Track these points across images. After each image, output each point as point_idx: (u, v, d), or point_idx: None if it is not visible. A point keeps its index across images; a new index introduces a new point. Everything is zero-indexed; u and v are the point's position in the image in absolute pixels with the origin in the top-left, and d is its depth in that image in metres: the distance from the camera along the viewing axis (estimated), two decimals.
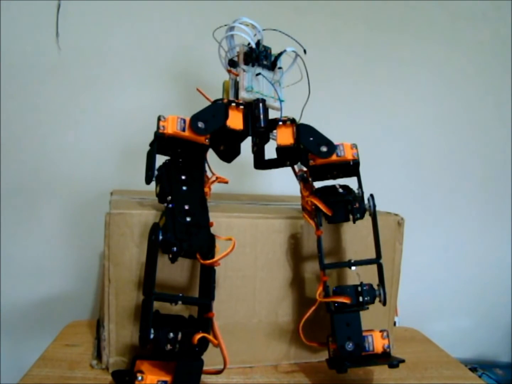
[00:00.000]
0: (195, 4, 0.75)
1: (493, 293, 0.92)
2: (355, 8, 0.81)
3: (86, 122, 0.73)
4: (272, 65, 0.51)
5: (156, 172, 0.42)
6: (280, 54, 0.51)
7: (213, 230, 0.42)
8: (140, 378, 0.36)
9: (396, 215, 0.53)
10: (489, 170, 0.90)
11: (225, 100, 0.46)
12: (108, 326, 0.44)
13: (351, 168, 0.46)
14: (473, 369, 0.84)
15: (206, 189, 0.44)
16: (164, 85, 0.76)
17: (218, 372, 0.41)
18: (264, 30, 0.50)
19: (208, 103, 0.47)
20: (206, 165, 0.47)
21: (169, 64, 0.76)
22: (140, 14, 0.74)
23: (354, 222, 0.44)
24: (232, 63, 0.50)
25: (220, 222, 0.45)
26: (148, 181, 0.42)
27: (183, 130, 0.43)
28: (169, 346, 0.37)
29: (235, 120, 0.46)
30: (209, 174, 0.47)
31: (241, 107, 0.47)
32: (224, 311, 0.46)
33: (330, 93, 0.80)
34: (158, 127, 0.42)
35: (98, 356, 0.47)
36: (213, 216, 0.42)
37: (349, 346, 0.41)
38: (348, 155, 0.46)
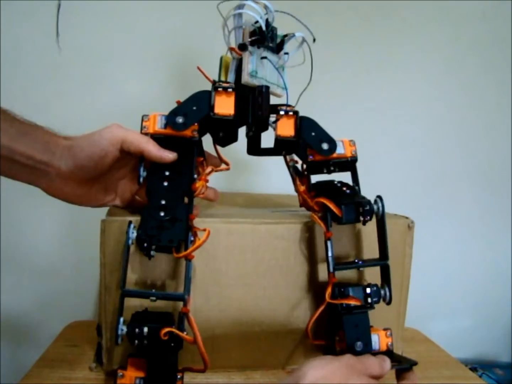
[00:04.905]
0: (194, 3, 0.75)
1: (493, 293, 0.91)
2: (356, 7, 0.81)
3: (86, 122, 0.73)
4: (277, 48, 0.48)
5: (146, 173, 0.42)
6: (286, 37, 0.48)
7: (212, 235, 0.40)
8: (120, 374, 0.37)
9: (406, 218, 0.51)
10: (490, 170, 0.89)
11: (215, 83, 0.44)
12: (105, 335, 0.44)
13: (348, 164, 0.46)
14: (473, 369, 0.84)
15: (201, 182, 0.43)
16: (166, 83, 0.76)
17: (201, 370, 0.39)
18: (276, 11, 0.45)
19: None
20: (215, 153, 0.46)
21: (169, 63, 0.75)
22: (140, 11, 0.74)
23: (364, 224, 0.43)
24: (243, 47, 0.45)
25: (220, 228, 0.44)
26: (138, 182, 0.42)
27: (165, 127, 0.42)
28: (136, 342, 0.36)
29: (223, 106, 0.43)
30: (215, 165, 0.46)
31: (230, 90, 0.43)
32: (225, 320, 0.45)
33: (333, 92, 0.80)
34: (141, 128, 0.42)
35: (98, 360, 0.47)
36: (212, 222, 0.42)
37: (358, 346, 0.41)
38: (348, 152, 0.46)
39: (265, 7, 0.45)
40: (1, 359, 0.75)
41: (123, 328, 0.37)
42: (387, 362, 0.37)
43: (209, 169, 0.45)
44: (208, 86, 0.45)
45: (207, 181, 0.45)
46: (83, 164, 0.39)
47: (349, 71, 0.82)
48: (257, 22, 0.44)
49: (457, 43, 0.86)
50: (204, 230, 0.40)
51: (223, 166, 0.49)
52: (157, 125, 0.42)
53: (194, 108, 0.42)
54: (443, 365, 0.55)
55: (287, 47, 0.49)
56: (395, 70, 0.84)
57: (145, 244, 0.38)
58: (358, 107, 0.83)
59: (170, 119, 0.41)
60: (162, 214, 0.39)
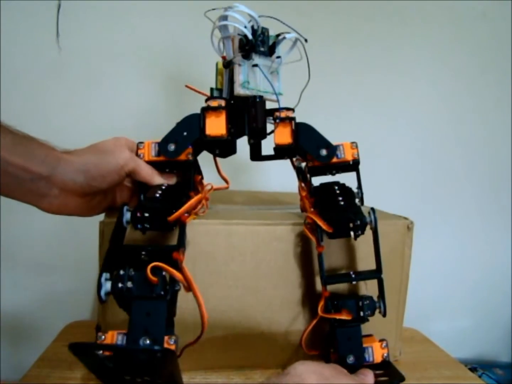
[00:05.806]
0: (193, 4, 0.75)
1: (493, 293, 0.91)
2: (357, 7, 0.81)
3: (86, 122, 0.73)
4: (269, 51, 0.47)
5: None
6: (278, 38, 0.47)
7: (212, 236, 0.40)
8: (102, 337, 0.33)
9: (406, 218, 0.50)
10: (490, 171, 0.89)
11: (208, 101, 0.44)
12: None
13: (351, 166, 0.46)
14: (473, 369, 0.84)
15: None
16: (166, 84, 0.76)
17: (196, 340, 0.36)
18: (260, 17, 0.44)
19: (202, 98, 0.45)
20: (216, 169, 0.46)
21: (169, 63, 0.75)
22: (141, 11, 0.74)
23: (355, 239, 0.43)
24: (228, 65, 0.46)
25: (219, 230, 0.44)
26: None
27: (159, 154, 0.42)
28: (120, 285, 0.33)
29: (214, 126, 0.43)
30: (213, 180, 0.47)
31: (220, 109, 0.43)
32: (225, 322, 0.45)
33: (333, 92, 0.80)
34: (137, 155, 0.42)
35: None
36: (211, 224, 0.41)
37: (350, 359, 0.41)
38: (348, 155, 0.45)
39: (249, 15, 0.44)
40: (1, 359, 0.75)
41: (107, 277, 0.34)
42: (368, 377, 0.38)
43: (208, 186, 0.46)
44: (202, 100, 0.45)
45: (207, 198, 0.45)
46: (93, 183, 0.40)
47: (348, 71, 0.82)
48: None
49: (457, 43, 0.86)
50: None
51: (223, 184, 0.49)
52: (151, 153, 0.43)
53: (185, 133, 0.42)
54: (443, 365, 0.54)
55: (281, 47, 0.48)
56: (395, 70, 0.84)
57: (138, 214, 0.37)
58: (358, 108, 0.83)
59: (162, 147, 0.42)
60: (157, 195, 0.40)
